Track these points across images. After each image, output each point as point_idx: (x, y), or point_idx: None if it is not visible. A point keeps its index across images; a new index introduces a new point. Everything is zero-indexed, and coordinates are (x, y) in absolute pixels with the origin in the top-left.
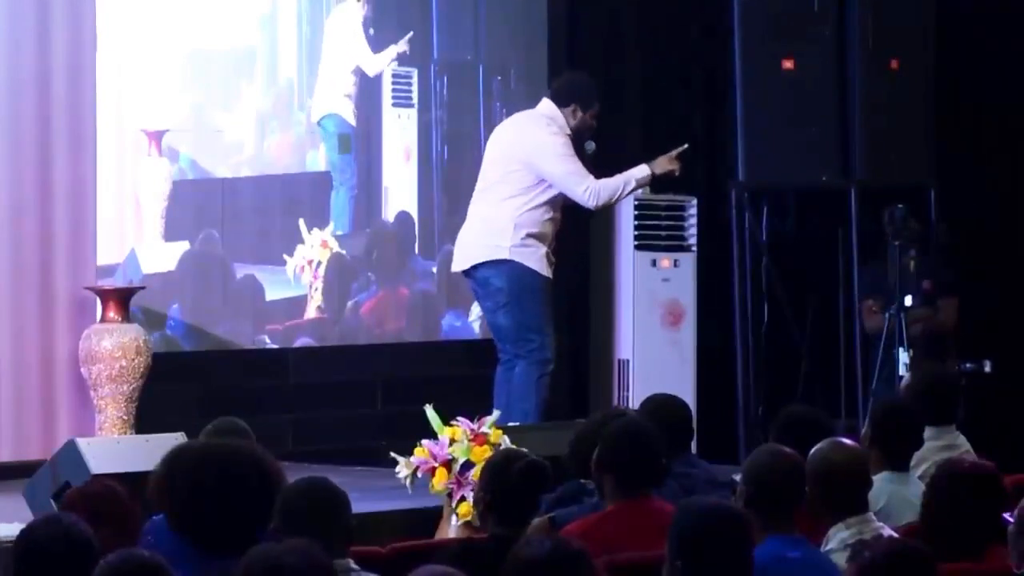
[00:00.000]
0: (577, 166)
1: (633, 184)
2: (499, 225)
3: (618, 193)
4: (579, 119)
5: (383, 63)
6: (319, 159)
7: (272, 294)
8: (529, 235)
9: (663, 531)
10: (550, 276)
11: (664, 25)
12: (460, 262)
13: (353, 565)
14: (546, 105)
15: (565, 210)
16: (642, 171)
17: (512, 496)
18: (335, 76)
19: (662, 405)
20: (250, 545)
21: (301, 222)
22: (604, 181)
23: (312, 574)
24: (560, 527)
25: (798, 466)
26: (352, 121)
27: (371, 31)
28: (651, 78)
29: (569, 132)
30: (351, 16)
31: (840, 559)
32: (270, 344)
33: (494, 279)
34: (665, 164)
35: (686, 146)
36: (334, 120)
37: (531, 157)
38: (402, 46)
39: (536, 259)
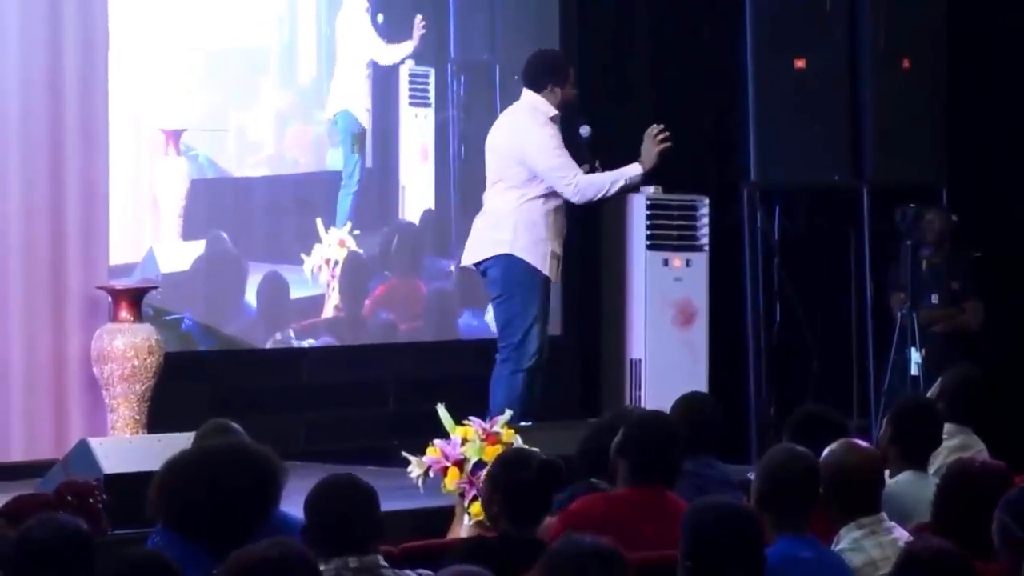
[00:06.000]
0: (563, 160)
1: (623, 182)
2: (500, 220)
3: (604, 190)
4: (560, 95)
5: (399, 54)
6: (337, 158)
7: (288, 293)
8: (532, 230)
9: (673, 520)
10: (550, 276)
11: (676, 24)
12: (466, 256)
13: (382, 561)
14: (527, 95)
15: (572, 206)
16: (634, 169)
17: (527, 496)
18: (348, 73)
19: (691, 403)
20: (249, 540)
21: (318, 221)
22: (591, 177)
23: (292, 567)
24: None
25: (813, 466)
26: (364, 118)
27: (383, 25)
28: (662, 77)
29: (555, 113)
30: (357, 10)
31: (852, 558)
32: (287, 343)
33: (492, 271)
34: (652, 154)
35: (655, 127)
36: (345, 117)
37: (523, 154)
38: (418, 32)
39: (538, 256)
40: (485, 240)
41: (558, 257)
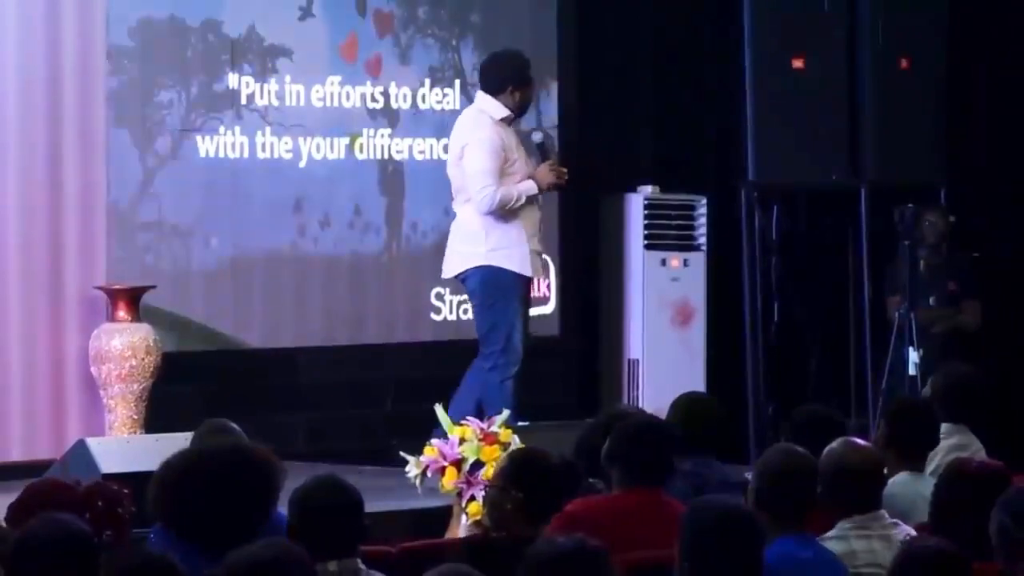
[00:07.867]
0: (490, 166)
1: (523, 199)
2: (472, 229)
3: (510, 204)
4: (520, 96)
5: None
6: (336, 158)
7: (287, 293)
8: (505, 236)
9: (669, 521)
10: (530, 275)
11: (675, 24)
12: (445, 269)
13: (360, 564)
14: (479, 98)
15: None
16: (530, 188)
17: (547, 493)
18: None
19: (690, 402)
20: (249, 540)
21: (318, 221)
22: (504, 189)
23: (288, 568)
24: None
25: (811, 466)
26: (367, 118)
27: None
28: (662, 77)
29: (506, 114)
30: (354, 10)
31: (838, 546)
32: (287, 343)
33: (470, 281)
34: (548, 177)
35: (552, 159)
36: (349, 117)
37: (462, 154)
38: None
39: (517, 260)
40: (460, 254)
41: (538, 253)
